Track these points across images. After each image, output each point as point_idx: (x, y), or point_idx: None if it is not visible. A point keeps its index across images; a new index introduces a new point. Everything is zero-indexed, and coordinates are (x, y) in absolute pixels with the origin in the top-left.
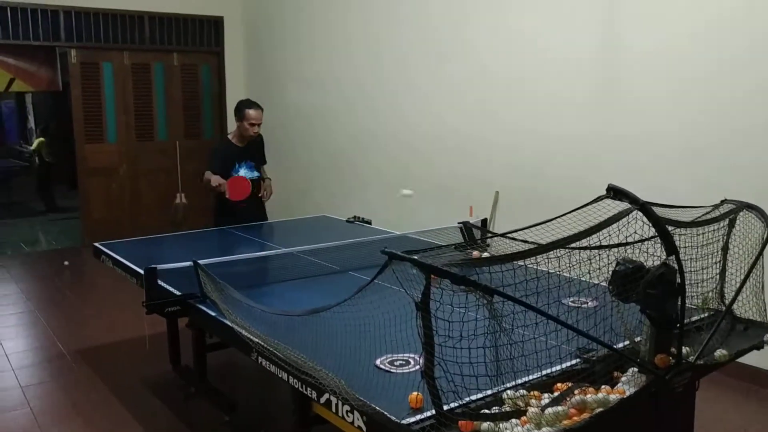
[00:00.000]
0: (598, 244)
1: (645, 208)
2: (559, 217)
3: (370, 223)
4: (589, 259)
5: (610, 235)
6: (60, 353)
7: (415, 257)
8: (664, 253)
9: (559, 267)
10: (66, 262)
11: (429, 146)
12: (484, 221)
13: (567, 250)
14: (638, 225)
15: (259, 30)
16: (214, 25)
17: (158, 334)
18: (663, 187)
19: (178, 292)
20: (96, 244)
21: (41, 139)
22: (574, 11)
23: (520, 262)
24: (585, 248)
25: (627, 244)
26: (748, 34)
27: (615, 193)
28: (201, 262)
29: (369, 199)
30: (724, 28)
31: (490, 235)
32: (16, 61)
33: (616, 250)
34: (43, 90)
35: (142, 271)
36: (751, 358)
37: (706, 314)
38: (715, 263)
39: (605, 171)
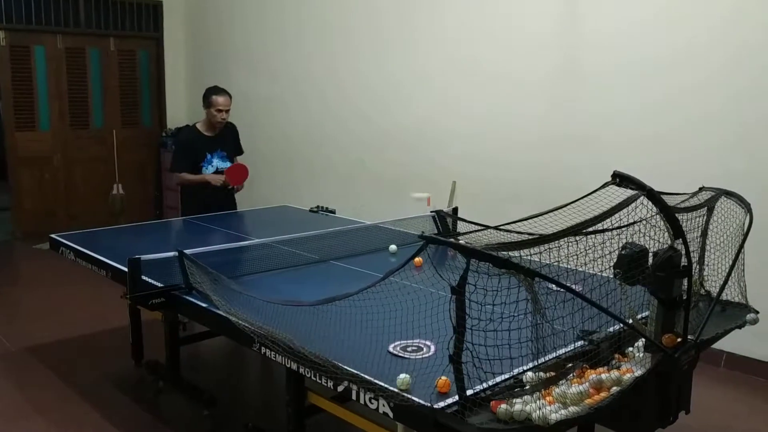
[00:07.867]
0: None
1: (651, 194)
2: (564, 206)
3: (334, 212)
4: (603, 244)
5: (618, 221)
6: (7, 351)
7: (453, 240)
8: (652, 236)
9: (567, 254)
10: None
11: (382, 137)
12: (455, 210)
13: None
14: (644, 211)
15: (201, 15)
16: (153, 10)
17: (112, 329)
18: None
19: (158, 284)
20: (54, 236)
21: None
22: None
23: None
24: (599, 231)
25: (624, 226)
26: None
27: (621, 179)
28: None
29: (321, 191)
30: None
31: (475, 225)
32: None
33: (614, 236)
34: None
35: (112, 263)
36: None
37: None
38: (697, 249)
39: (565, 160)
